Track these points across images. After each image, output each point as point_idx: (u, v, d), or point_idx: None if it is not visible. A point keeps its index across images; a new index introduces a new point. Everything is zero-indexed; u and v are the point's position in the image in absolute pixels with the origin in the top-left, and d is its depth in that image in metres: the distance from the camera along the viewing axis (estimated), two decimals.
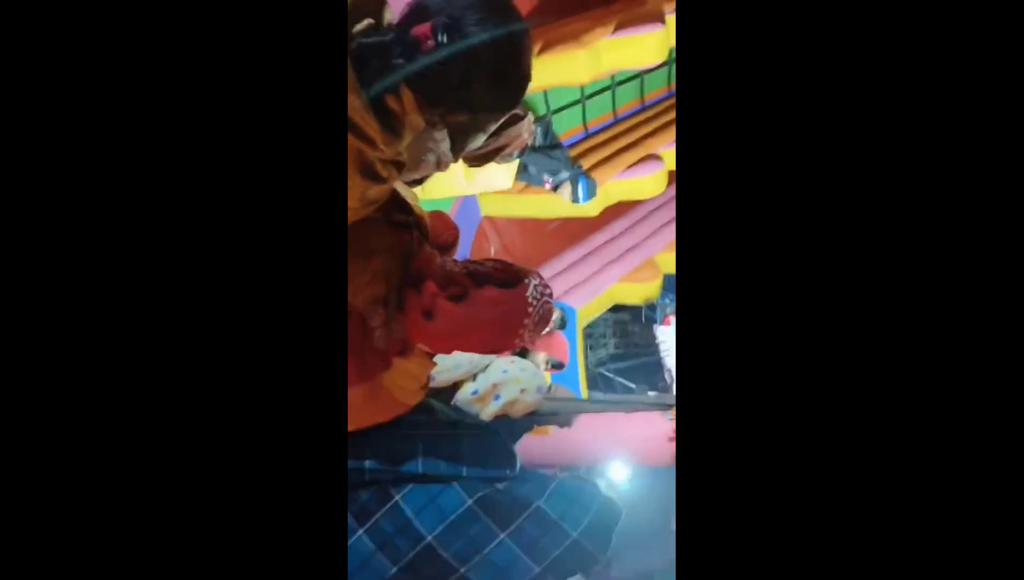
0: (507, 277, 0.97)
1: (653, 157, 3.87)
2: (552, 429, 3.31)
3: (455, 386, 1.46)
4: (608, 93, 4.35)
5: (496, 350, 0.98)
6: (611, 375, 5.12)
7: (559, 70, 3.35)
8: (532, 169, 3.62)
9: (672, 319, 3.34)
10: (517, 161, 3.41)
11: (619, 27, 3.36)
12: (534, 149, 3.52)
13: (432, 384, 1.46)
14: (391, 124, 0.83)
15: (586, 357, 4.92)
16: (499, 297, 0.94)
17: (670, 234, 4.67)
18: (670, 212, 4.86)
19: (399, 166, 0.89)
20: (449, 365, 1.47)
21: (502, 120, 1.51)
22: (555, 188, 3.62)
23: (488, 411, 1.35)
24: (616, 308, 4.91)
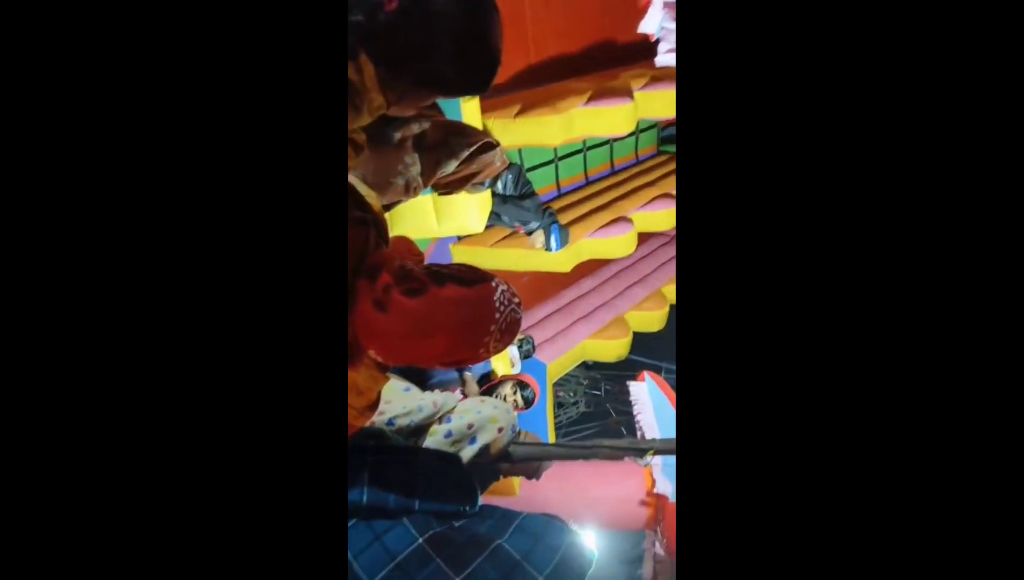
0: (471, 277, 0.86)
1: (624, 219, 4.01)
2: (519, 483, 3.18)
3: (418, 431, 1.39)
4: (580, 156, 4.56)
5: (459, 361, 0.85)
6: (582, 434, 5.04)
7: (534, 131, 3.53)
8: (505, 218, 3.69)
9: (646, 375, 3.32)
10: (489, 194, 3.47)
11: (592, 98, 3.59)
12: (505, 199, 3.60)
13: (390, 428, 1.37)
14: (350, 96, 0.76)
15: (556, 415, 4.86)
16: (462, 296, 0.81)
17: (639, 294, 4.77)
18: (638, 272, 4.99)
19: (357, 147, 0.81)
20: (411, 407, 1.36)
21: (474, 147, 1.51)
22: (528, 234, 3.67)
23: (464, 456, 1.29)
24: (587, 365, 4.91)
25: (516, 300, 0.89)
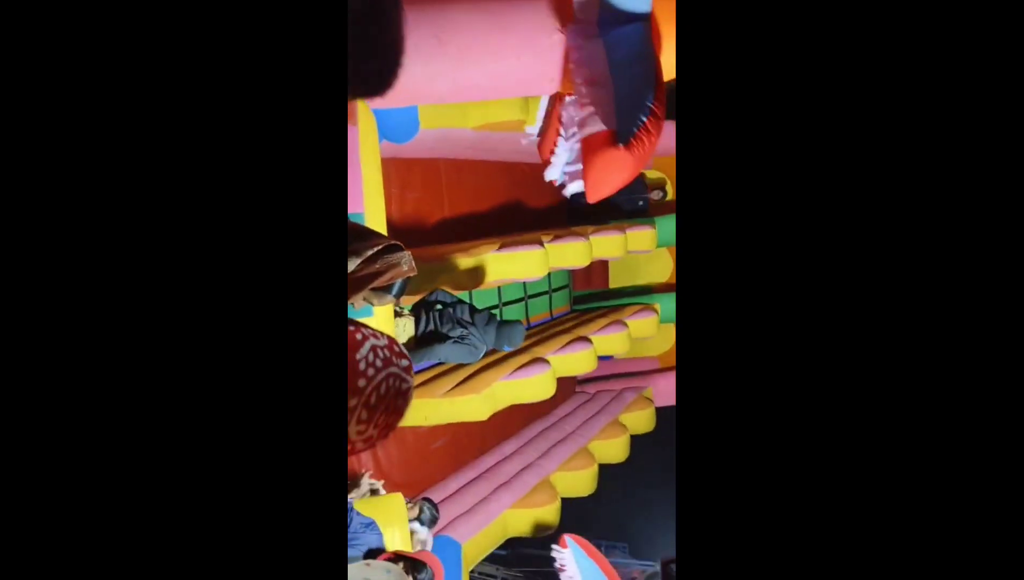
0: None
1: (540, 361, 3.84)
2: None
3: None
4: (495, 311, 4.53)
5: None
6: None
7: (447, 276, 3.50)
8: (423, 359, 3.39)
9: (567, 539, 2.87)
10: (409, 320, 3.19)
11: (503, 246, 3.70)
12: (425, 338, 3.33)
13: None
14: None
15: None
16: None
17: (565, 452, 4.40)
18: (562, 430, 4.68)
19: None
20: None
21: (378, 247, 1.36)
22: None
23: None
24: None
25: (403, 362, 0.66)
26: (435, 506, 3.15)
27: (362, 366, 0.62)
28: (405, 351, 0.70)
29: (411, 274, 1.46)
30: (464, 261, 3.51)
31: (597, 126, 2.09)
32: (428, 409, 3.48)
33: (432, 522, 3.07)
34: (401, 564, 2.19)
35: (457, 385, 3.53)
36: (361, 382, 0.61)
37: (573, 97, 2.24)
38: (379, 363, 0.63)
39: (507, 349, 3.54)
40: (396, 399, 0.64)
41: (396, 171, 3.73)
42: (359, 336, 0.64)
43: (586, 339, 4.06)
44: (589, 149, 2.10)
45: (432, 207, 4.15)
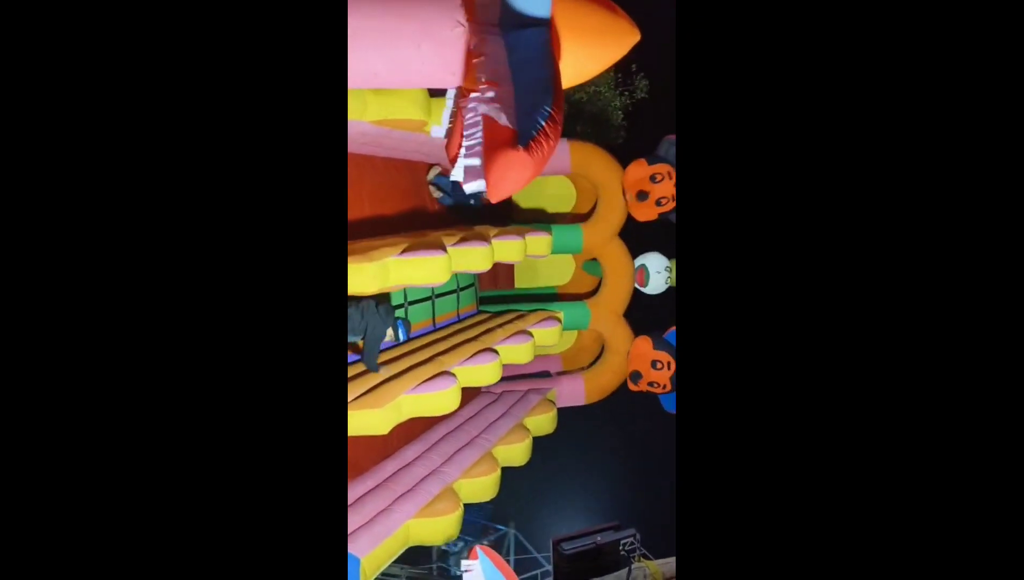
0: None
1: (446, 374, 3.76)
2: None
3: None
4: (400, 311, 4.36)
5: None
6: None
7: (349, 279, 3.30)
8: None
9: (477, 549, 2.83)
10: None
11: (406, 250, 3.56)
12: None
13: None
14: None
15: None
16: None
17: (469, 457, 4.35)
18: (467, 433, 4.62)
19: None
20: None
21: None
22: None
23: None
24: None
25: None
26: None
27: None
28: None
29: None
30: (365, 266, 3.33)
31: (499, 125, 2.06)
32: None
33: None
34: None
35: (358, 396, 3.36)
36: None
37: (476, 95, 2.18)
38: None
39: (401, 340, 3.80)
40: None
41: None
42: None
43: (492, 351, 4.03)
44: (490, 148, 2.06)
45: None
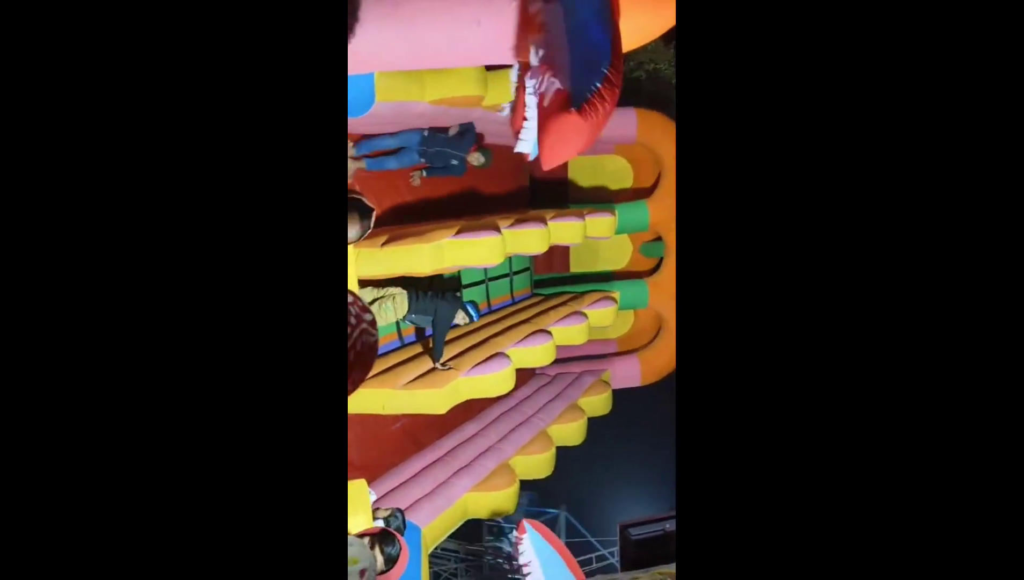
0: None
1: (501, 355, 3.83)
2: None
3: None
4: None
5: None
6: None
7: (403, 261, 3.42)
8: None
9: (526, 525, 2.90)
10: (402, 296, 3.37)
11: (460, 231, 3.63)
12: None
13: None
14: None
15: None
16: None
17: (525, 436, 4.43)
18: (522, 413, 4.71)
19: None
20: None
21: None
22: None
23: None
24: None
25: (368, 317, 0.69)
26: (402, 514, 3.10)
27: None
28: (368, 306, 0.73)
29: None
30: (421, 247, 3.43)
31: (553, 89, 2.01)
32: (386, 399, 3.43)
33: (398, 531, 3.03)
34: (367, 540, 2.17)
35: (417, 378, 3.49)
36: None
37: (535, 64, 2.14)
38: (352, 320, 0.65)
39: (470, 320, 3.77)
40: (366, 353, 0.66)
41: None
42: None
43: (546, 332, 4.06)
44: (545, 114, 2.02)
45: (388, 187, 4.04)
